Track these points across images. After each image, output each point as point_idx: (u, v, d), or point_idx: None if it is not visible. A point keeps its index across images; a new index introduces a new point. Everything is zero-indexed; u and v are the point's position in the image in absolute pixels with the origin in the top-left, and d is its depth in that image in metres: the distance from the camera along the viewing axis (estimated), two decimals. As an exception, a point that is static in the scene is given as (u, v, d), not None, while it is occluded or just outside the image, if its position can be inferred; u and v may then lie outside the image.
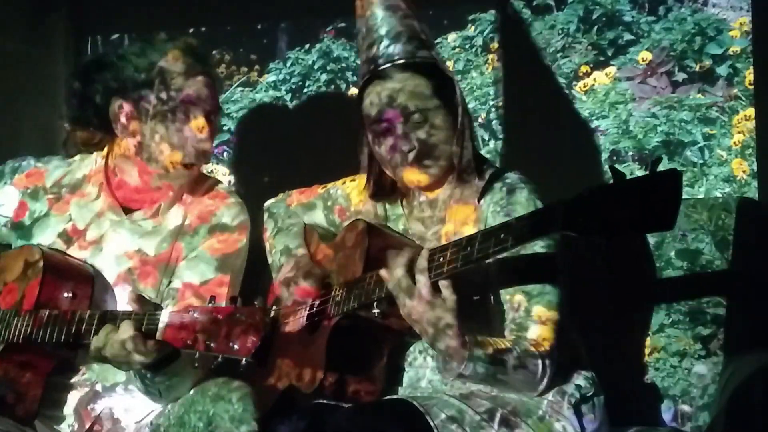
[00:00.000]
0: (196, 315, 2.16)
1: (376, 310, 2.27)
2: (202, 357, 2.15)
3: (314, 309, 2.42)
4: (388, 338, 2.35)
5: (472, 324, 2.22)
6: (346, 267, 2.42)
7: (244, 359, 2.11)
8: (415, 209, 2.50)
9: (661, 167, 1.85)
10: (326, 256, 2.55)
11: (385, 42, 2.41)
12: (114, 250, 2.57)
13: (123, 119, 2.55)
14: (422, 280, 2.15)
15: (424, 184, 2.42)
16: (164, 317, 2.19)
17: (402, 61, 2.39)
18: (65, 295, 2.44)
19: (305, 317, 2.43)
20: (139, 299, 2.27)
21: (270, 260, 2.62)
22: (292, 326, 2.45)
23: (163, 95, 2.53)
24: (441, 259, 2.15)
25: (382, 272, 2.21)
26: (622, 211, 1.87)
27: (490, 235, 2.10)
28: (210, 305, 2.18)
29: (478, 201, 2.39)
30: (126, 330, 2.21)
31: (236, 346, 2.10)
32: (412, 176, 2.40)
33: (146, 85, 2.53)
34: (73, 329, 2.33)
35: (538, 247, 2.29)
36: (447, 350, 2.17)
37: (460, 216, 2.40)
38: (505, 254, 2.12)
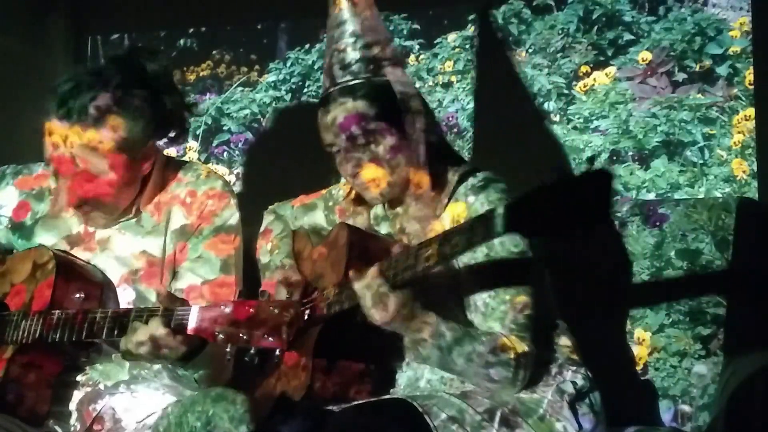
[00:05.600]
0: (227, 309, 2.16)
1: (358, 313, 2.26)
2: (234, 349, 2.16)
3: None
4: (376, 339, 2.34)
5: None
6: (330, 271, 2.42)
7: (278, 350, 2.12)
8: (410, 207, 2.49)
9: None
10: (321, 255, 2.54)
11: (338, 64, 2.43)
12: (118, 251, 2.58)
13: (94, 111, 2.50)
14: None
15: (378, 202, 2.46)
16: (195, 312, 2.20)
17: (348, 84, 2.40)
18: (77, 296, 2.44)
19: None
20: (169, 296, 2.28)
21: (266, 260, 2.62)
22: None
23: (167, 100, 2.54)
24: (392, 271, 2.18)
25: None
26: (557, 210, 1.89)
27: (432, 243, 2.13)
28: (240, 299, 2.20)
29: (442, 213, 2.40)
30: (156, 326, 2.23)
31: (271, 338, 2.12)
32: (365, 196, 2.45)
33: (138, 83, 2.52)
34: (84, 330, 2.34)
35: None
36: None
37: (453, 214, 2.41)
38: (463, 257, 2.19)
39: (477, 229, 2.05)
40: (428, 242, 2.15)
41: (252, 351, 2.14)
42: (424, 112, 2.43)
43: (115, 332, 2.32)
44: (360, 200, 2.53)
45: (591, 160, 1.90)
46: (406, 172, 2.40)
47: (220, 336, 2.15)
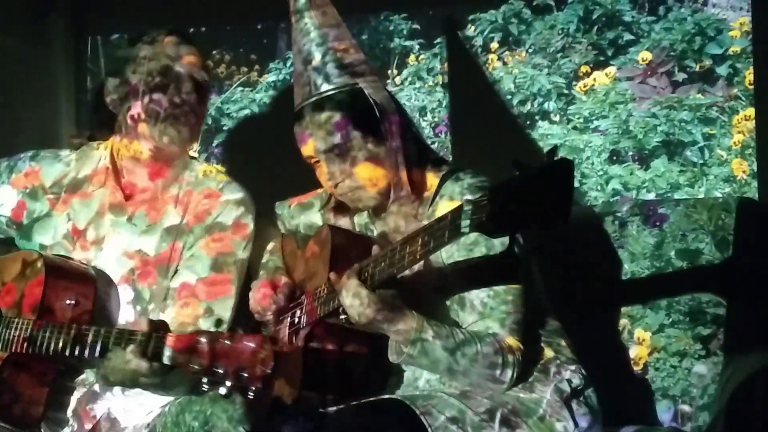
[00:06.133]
0: (203, 340, 2.12)
1: (343, 316, 2.24)
2: (209, 383, 2.12)
3: (295, 320, 2.41)
4: (364, 340, 2.32)
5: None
6: (322, 269, 2.40)
7: (253, 387, 2.09)
8: (404, 206, 2.48)
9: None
10: (313, 253, 2.53)
11: (311, 74, 2.43)
12: (115, 250, 2.58)
13: (130, 121, 2.56)
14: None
15: (371, 204, 2.44)
16: (170, 343, 2.17)
17: (348, 84, 2.40)
18: (68, 295, 2.43)
19: (287, 328, 2.42)
20: (150, 323, 2.26)
21: (264, 259, 2.62)
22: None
23: (177, 99, 2.54)
24: (371, 271, 2.19)
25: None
26: (518, 207, 1.86)
27: (406, 244, 2.13)
28: (216, 330, 2.17)
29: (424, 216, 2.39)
30: (133, 356, 2.21)
31: (246, 374, 2.08)
32: (355, 197, 2.43)
33: (159, 88, 2.54)
34: (78, 343, 2.33)
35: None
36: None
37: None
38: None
39: (445, 228, 2.04)
40: (403, 241, 2.15)
41: (228, 385, 2.10)
42: (407, 116, 2.46)
43: (96, 353, 2.30)
44: (339, 209, 2.52)
45: (551, 152, 1.86)
46: (396, 173, 2.40)
47: (196, 368, 2.12)
